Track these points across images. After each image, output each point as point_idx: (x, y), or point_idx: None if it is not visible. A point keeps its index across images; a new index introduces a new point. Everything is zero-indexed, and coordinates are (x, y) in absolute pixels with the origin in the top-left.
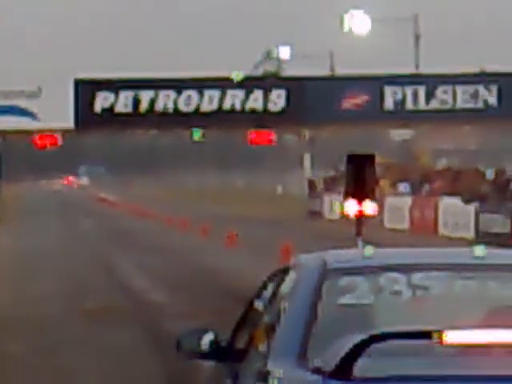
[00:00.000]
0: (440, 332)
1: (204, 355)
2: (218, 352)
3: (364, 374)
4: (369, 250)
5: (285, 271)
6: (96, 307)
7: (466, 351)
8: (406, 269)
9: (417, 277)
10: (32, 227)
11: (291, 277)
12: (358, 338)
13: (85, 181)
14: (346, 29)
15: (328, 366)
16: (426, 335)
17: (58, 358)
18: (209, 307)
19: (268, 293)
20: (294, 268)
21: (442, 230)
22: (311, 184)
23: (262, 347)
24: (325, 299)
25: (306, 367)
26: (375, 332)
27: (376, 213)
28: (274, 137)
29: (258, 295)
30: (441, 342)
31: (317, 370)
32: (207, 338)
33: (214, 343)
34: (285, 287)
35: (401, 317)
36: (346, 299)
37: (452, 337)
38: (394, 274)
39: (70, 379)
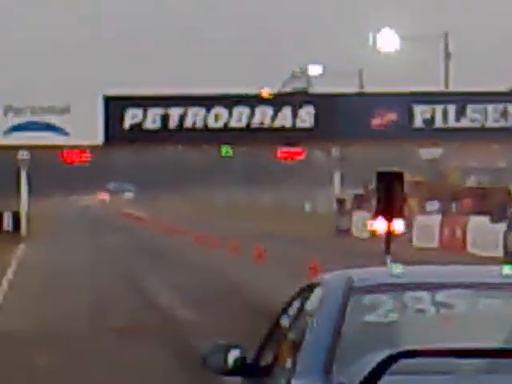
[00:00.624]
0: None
1: (230, 372)
2: (243, 368)
3: None
4: (395, 268)
5: (311, 288)
6: (125, 324)
7: (490, 369)
8: (431, 287)
9: (442, 295)
10: (60, 243)
11: (317, 294)
12: (382, 355)
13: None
14: (373, 46)
15: (352, 383)
16: (450, 353)
17: (86, 374)
18: (237, 323)
19: (294, 309)
20: (320, 285)
21: (470, 249)
22: (340, 202)
23: (287, 364)
24: (350, 316)
25: (330, 383)
26: (399, 350)
27: (404, 231)
28: (302, 154)
29: (284, 312)
30: None
31: None
32: (233, 355)
33: (239, 360)
34: (310, 304)
35: (425, 335)
36: (370, 317)
37: None
38: (420, 292)
39: None
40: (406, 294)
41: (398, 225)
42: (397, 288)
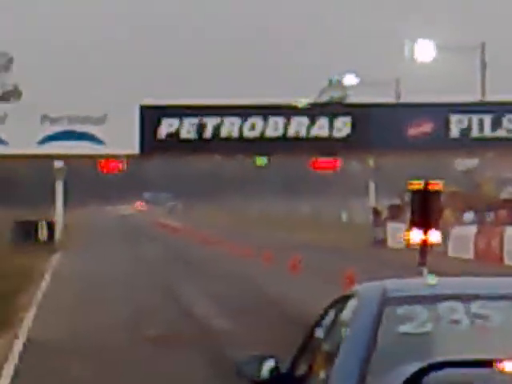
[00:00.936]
0: (499, 361)
1: (264, 382)
2: (278, 379)
3: None
4: (430, 279)
5: (345, 299)
6: (161, 333)
7: None
8: (466, 298)
9: (477, 306)
10: (95, 253)
11: (351, 304)
12: (416, 366)
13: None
14: (409, 56)
15: None
16: (485, 364)
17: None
18: (271, 334)
19: (328, 320)
20: (355, 296)
21: (506, 260)
22: (376, 212)
23: (321, 374)
24: (384, 327)
25: None
26: (433, 361)
27: (440, 241)
28: (338, 164)
29: (319, 323)
30: (501, 370)
31: None
32: (268, 365)
33: (274, 370)
34: (345, 315)
35: (459, 346)
36: (405, 327)
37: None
38: (454, 303)
39: None
40: (440, 305)
41: (434, 236)
42: (431, 299)
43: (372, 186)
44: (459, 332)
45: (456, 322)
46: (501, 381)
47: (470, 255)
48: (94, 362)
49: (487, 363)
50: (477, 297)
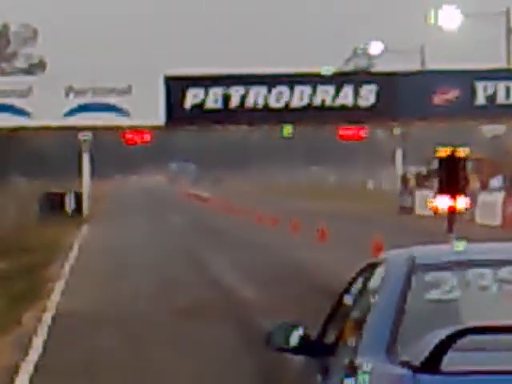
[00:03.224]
0: None
1: (293, 350)
2: (307, 347)
3: (452, 368)
4: (458, 246)
5: (373, 266)
6: (188, 303)
7: None
8: (494, 264)
9: (505, 272)
10: (123, 224)
11: (380, 272)
12: (446, 332)
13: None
14: (434, 23)
15: (416, 360)
16: None
17: (149, 354)
18: (299, 302)
19: (357, 288)
20: (383, 263)
21: None
22: (403, 179)
23: (350, 341)
24: (413, 294)
25: (394, 361)
26: (463, 326)
27: (467, 208)
28: (364, 132)
29: (347, 290)
30: None
31: (405, 364)
32: (297, 333)
33: (303, 338)
34: (373, 282)
35: (488, 312)
36: (433, 294)
37: None
38: (482, 269)
39: (160, 374)
40: (469, 271)
41: (461, 202)
42: (460, 265)
43: (399, 153)
44: (488, 298)
45: (484, 287)
46: None
47: (497, 221)
48: (123, 334)
49: None
50: (505, 262)
